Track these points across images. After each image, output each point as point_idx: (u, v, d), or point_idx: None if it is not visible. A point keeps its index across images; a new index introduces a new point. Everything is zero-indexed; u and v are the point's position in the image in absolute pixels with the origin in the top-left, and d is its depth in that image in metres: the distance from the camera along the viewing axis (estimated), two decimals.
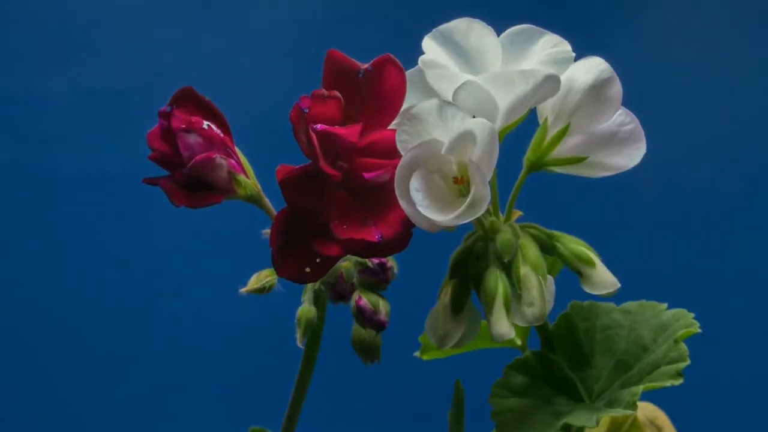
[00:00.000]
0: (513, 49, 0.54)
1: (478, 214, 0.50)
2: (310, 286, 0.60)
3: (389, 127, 0.54)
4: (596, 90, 0.54)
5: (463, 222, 0.50)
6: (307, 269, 0.52)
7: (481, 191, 0.49)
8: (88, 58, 1.36)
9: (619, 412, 0.54)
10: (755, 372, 1.28)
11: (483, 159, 0.50)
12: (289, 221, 0.52)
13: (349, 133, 0.52)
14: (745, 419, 1.29)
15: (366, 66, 0.54)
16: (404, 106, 0.54)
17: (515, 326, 0.69)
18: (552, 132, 0.55)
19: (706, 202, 1.32)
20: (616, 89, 0.54)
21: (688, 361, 0.55)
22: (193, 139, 0.56)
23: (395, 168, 0.51)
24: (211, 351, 1.32)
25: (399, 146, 0.51)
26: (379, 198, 0.52)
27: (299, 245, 0.52)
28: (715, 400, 1.26)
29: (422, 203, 0.50)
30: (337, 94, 0.53)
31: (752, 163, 1.34)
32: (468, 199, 0.50)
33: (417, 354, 0.70)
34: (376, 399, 1.28)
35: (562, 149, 0.55)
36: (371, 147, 0.53)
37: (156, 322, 1.32)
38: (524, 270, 0.53)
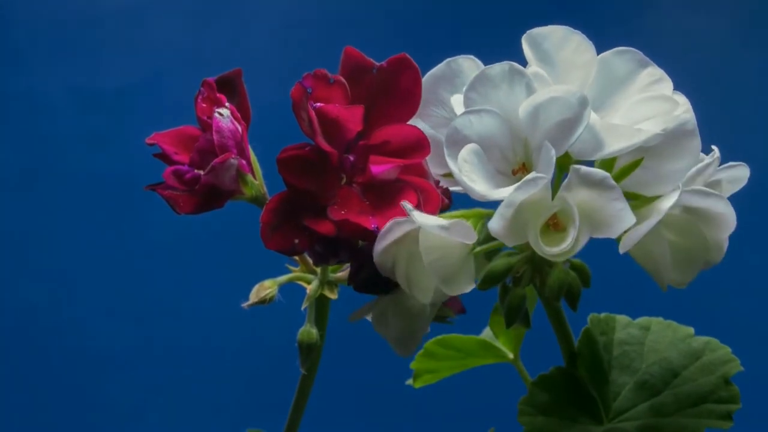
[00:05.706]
0: (613, 74, 0.51)
1: (524, 196, 0.46)
2: (311, 295, 0.58)
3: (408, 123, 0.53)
4: (675, 136, 0.50)
5: (510, 198, 0.46)
6: (296, 240, 0.51)
7: (544, 172, 0.46)
8: (88, 58, 1.36)
9: None
10: (752, 374, 1.28)
11: (558, 136, 0.47)
12: (286, 202, 0.51)
13: (351, 117, 0.51)
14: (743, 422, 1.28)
15: (381, 63, 0.53)
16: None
17: (506, 339, 0.68)
18: (622, 162, 0.51)
19: None
20: (695, 144, 0.51)
21: (740, 405, 0.54)
22: (225, 123, 0.54)
23: (404, 167, 0.50)
24: (212, 353, 1.32)
25: (465, 102, 0.49)
26: (383, 195, 0.51)
27: (291, 222, 0.51)
28: None
29: (468, 175, 0.47)
30: (342, 79, 0.52)
31: (753, 163, 1.33)
32: (526, 177, 0.46)
33: (409, 382, 0.69)
34: (378, 402, 1.28)
35: (629, 183, 0.51)
36: (385, 146, 0.52)
37: (156, 323, 1.32)
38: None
